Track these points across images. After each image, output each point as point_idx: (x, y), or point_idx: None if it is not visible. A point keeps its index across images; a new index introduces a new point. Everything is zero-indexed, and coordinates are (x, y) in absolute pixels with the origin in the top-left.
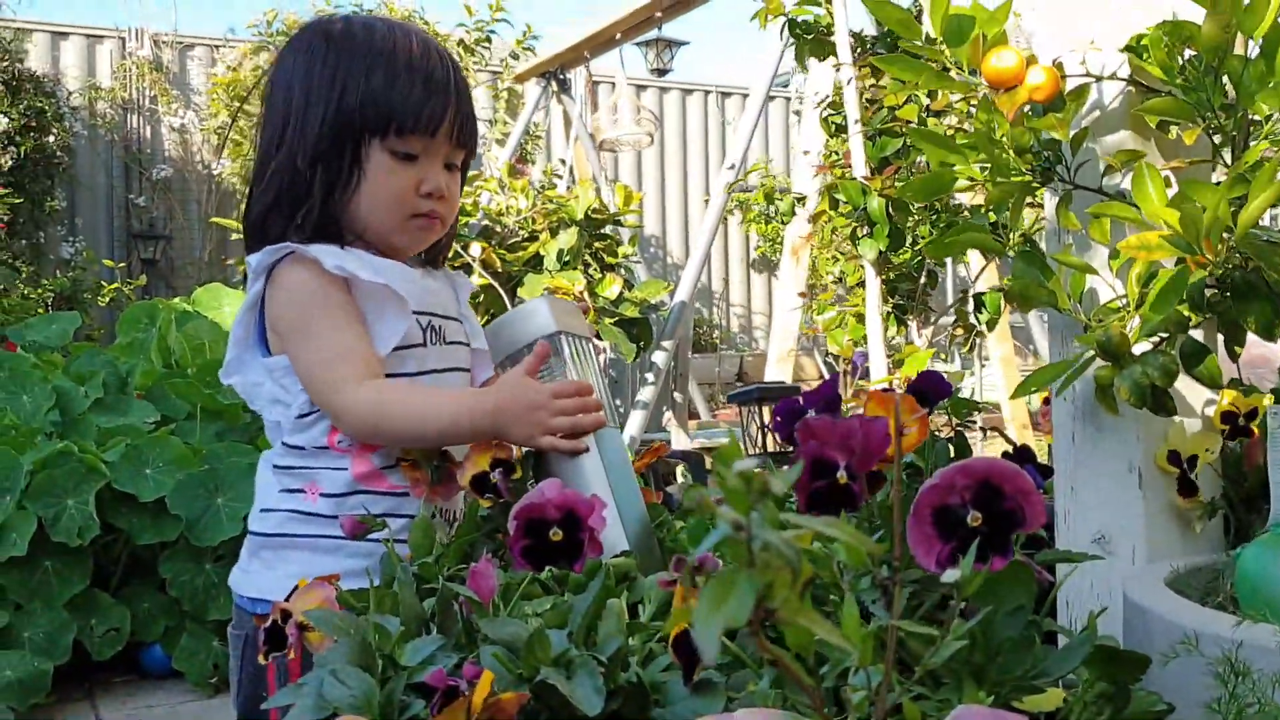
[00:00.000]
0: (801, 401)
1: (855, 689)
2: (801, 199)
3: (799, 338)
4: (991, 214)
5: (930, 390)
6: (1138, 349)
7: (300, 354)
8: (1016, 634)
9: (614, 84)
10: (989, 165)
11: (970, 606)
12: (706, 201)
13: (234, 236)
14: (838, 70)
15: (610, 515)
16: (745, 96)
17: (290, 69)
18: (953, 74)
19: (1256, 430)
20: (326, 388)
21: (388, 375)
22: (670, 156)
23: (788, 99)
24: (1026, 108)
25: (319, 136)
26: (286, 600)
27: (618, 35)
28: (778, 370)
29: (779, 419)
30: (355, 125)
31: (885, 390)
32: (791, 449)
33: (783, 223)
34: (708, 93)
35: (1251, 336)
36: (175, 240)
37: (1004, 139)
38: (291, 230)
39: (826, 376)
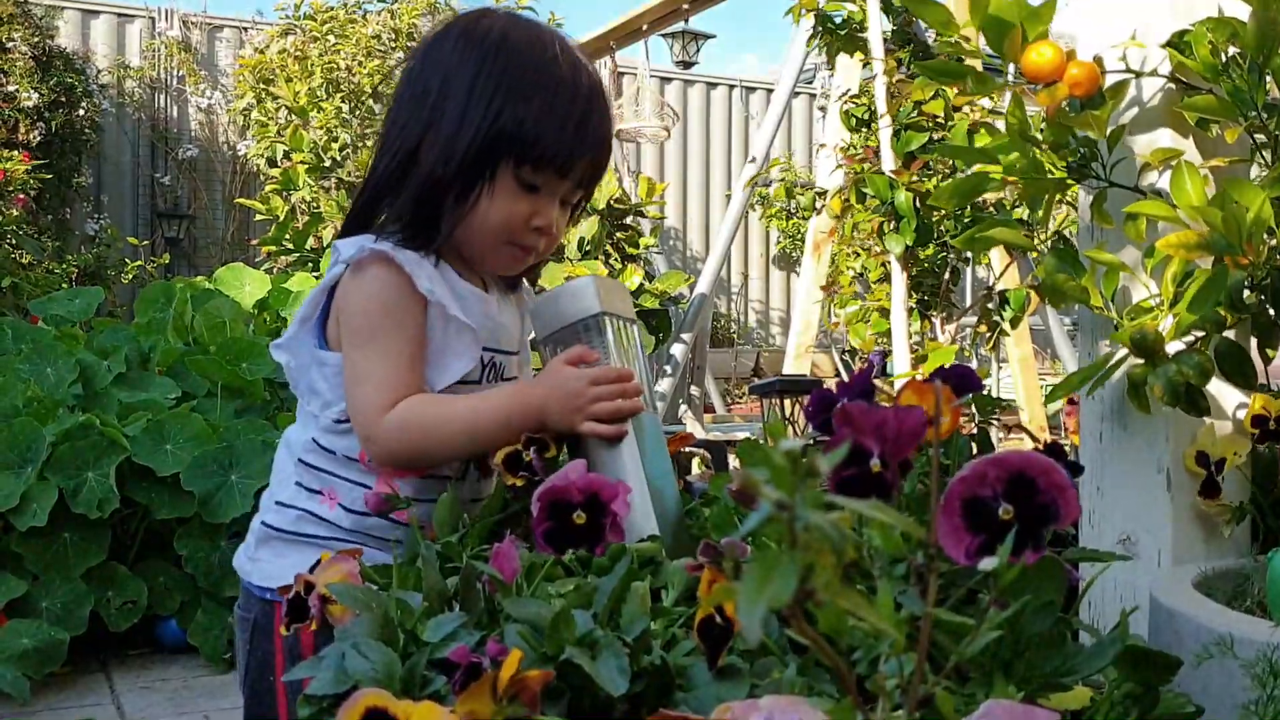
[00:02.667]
0: (835, 391)
1: (887, 677)
2: (823, 193)
3: (818, 334)
4: (1018, 210)
5: (960, 383)
6: (1171, 348)
7: (353, 361)
8: (1046, 630)
9: (636, 74)
10: (1020, 163)
11: (1000, 601)
12: (728, 196)
13: (258, 218)
14: (865, 65)
15: (640, 499)
16: (770, 91)
17: (449, 66)
18: (972, 63)
19: None
20: (366, 413)
21: None
22: (693, 150)
23: (812, 95)
24: (1064, 103)
25: (466, 151)
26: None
27: (644, 26)
28: (796, 366)
29: (813, 409)
30: (500, 147)
31: (924, 381)
32: (817, 441)
33: (804, 218)
34: (732, 87)
35: None
36: (199, 220)
37: (1040, 135)
38: (411, 232)
39: (842, 373)
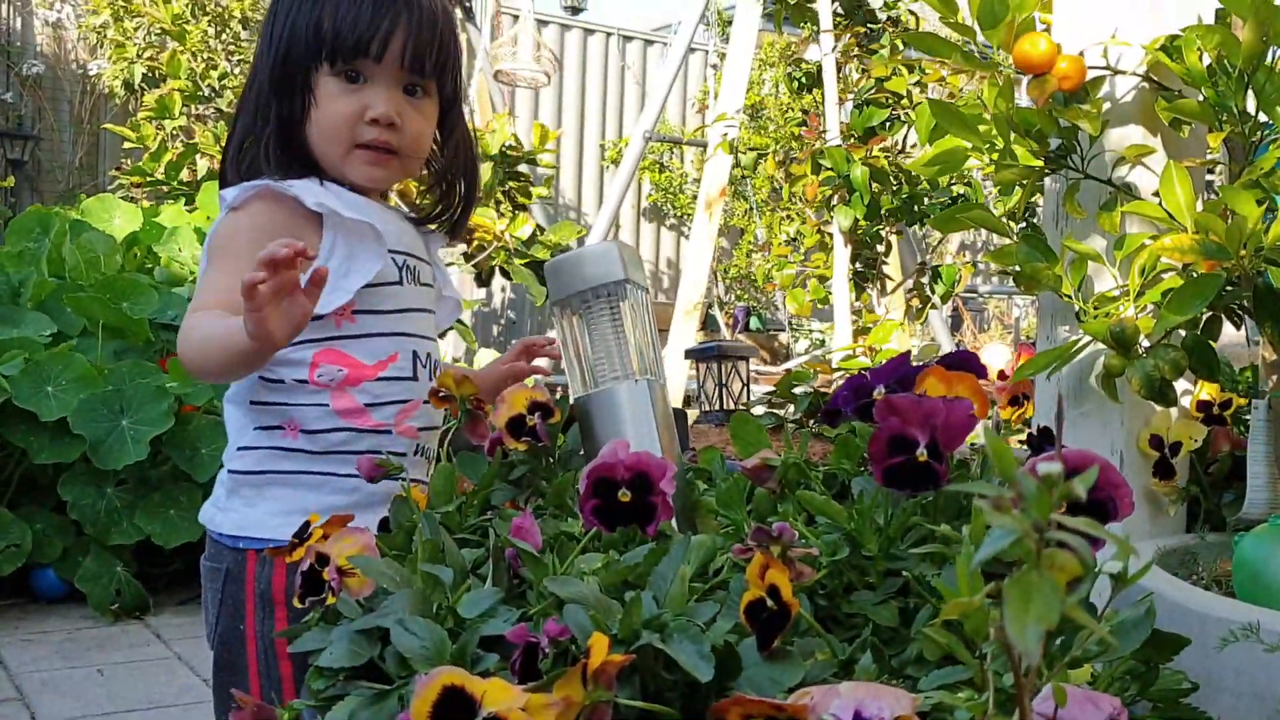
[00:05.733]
0: (870, 378)
1: (999, 673)
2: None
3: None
4: (954, 189)
5: (964, 368)
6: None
7: (198, 284)
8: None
9: (517, 16)
10: (999, 148)
11: None
12: (602, 147)
13: (126, 145)
14: (817, 36)
15: None
16: (647, 42)
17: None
18: (968, 51)
19: (1229, 420)
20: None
21: (363, 312)
22: (568, 97)
23: (691, 49)
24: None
25: (273, 64)
26: (306, 534)
27: None
28: (685, 322)
29: (846, 394)
30: (302, 50)
31: (951, 365)
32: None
33: (685, 175)
34: (609, 35)
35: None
36: (44, 141)
37: (1026, 124)
38: (265, 164)
39: (723, 328)
